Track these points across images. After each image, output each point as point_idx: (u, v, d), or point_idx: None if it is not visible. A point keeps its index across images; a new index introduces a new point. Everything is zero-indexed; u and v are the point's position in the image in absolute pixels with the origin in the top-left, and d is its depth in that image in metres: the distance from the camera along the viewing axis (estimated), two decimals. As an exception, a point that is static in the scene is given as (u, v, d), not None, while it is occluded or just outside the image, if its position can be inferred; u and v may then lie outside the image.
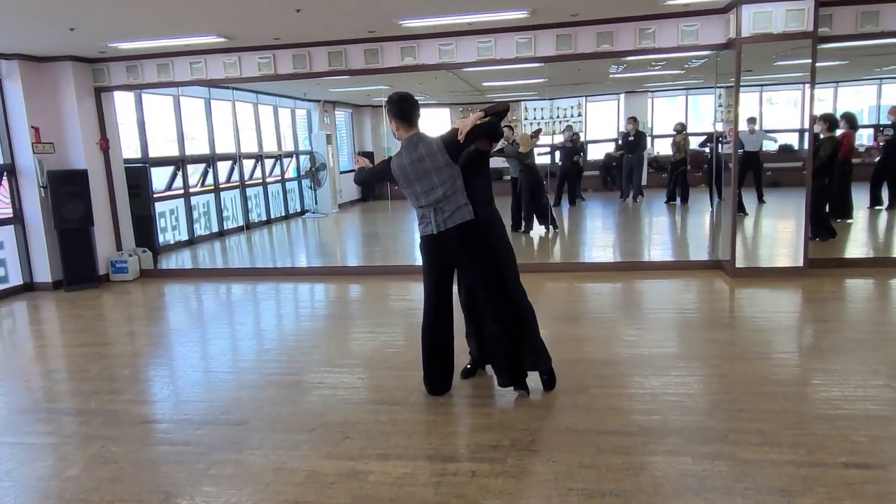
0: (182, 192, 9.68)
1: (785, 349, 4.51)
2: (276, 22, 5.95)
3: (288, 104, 12.46)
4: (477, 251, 3.53)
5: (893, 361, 3.96)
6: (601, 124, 14.73)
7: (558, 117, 13.83)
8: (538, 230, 9.16)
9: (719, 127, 7.93)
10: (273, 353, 4.86)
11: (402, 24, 6.15)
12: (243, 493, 2.78)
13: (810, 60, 5.86)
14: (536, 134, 9.89)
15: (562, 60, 6.67)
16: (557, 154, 11.58)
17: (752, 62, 6.21)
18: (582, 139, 13.33)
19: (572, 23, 6.38)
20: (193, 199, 9.88)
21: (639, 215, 11.24)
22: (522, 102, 13.68)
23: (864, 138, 12.53)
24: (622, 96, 14.23)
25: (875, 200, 9.29)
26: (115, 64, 7.37)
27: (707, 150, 10.94)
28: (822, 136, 7.30)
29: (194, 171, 10.07)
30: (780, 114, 13.79)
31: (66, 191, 7.09)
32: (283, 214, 12.32)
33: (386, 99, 3.53)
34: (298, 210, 12.89)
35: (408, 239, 9.64)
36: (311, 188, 12.72)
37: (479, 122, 3.40)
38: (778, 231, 9.04)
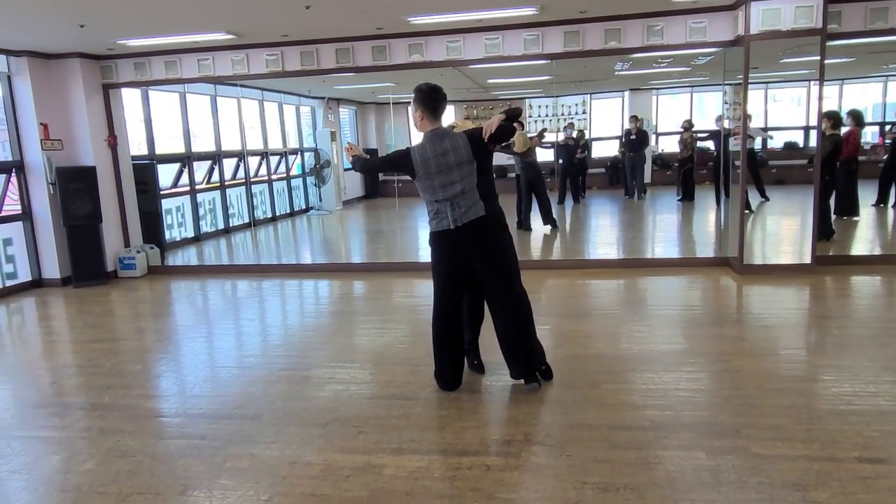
0: (188, 188, 9.70)
1: (794, 345, 4.52)
2: (285, 19, 5.96)
3: (293, 101, 12.47)
4: (490, 246, 3.56)
5: (903, 358, 3.98)
6: (605, 122, 14.72)
7: (562, 115, 13.82)
8: (542, 228, 9.16)
9: (726, 124, 7.94)
10: (282, 349, 4.88)
11: (411, 21, 6.15)
12: (260, 485, 2.80)
13: (817, 57, 5.86)
14: (542, 134, 9.91)
15: (569, 57, 6.67)
16: (559, 152, 11.57)
17: (759, 60, 6.21)
18: (586, 136, 13.32)
19: (580, 19, 6.38)
20: (199, 196, 9.90)
21: (645, 213, 11.25)
22: (527, 100, 13.68)
23: (868, 136, 12.52)
24: (627, 94, 14.20)
25: (882, 198, 9.28)
26: (123, 61, 7.39)
27: (711, 145, 10.94)
28: (826, 133, 7.28)
29: (200, 168, 10.09)
30: (784, 111, 13.77)
31: (75, 187, 7.12)
32: (289, 211, 12.34)
33: (415, 89, 3.51)
34: (303, 207, 12.91)
35: (412, 236, 9.67)
36: (315, 185, 12.74)
37: (501, 123, 3.46)
38: (784, 228, 9.05)
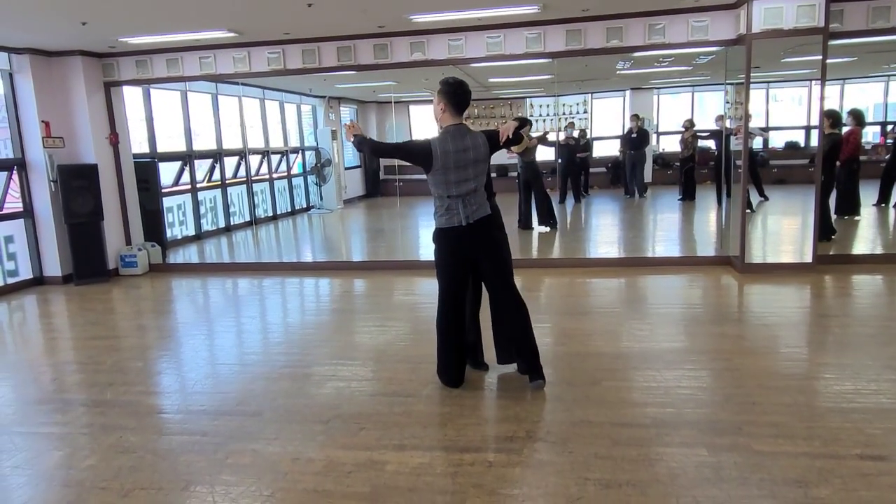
0: (189, 187, 9.70)
1: (796, 344, 4.52)
2: (287, 17, 5.97)
3: (294, 100, 12.47)
4: (496, 244, 3.62)
5: (905, 356, 3.98)
6: (606, 121, 14.72)
7: (563, 114, 13.82)
8: (541, 227, 9.16)
9: (727, 124, 7.94)
10: (283, 347, 4.88)
11: (413, 19, 6.15)
12: (262, 481, 2.81)
13: (819, 57, 5.86)
14: (544, 137, 9.91)
15: (571, 56, 6.67)
16: (560, 151, 11.57)
17: (761, 59, 6.20)
18: (588, 135, 13.31)
19: (582, 18, 6.38)
20: (200, 195, 9.90)
21: (646, 212, 11.25)
22: (528, 99, 13.68)
23: (870, 136, 12.52)
24: (628, 93, 14.21)
25: (883, 198, 9.27)
26: (124, 59, 7.40)
27: (712, 145, 10.94)
28: (825, 132, 7.26)
29: (201, 167, 10.10)
30: (785, 111, 13.75)
31: (76, 185, 7.13)
32: (289, 210, 12.35)
33: (441, 81, 3.52)
34: (304, 206, 12.91)
35: (413, 234, 9.67)
36: (316, 184, 12.74)
37: (515, 129, 3.56)
38: (785, 227, 9.04)
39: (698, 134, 11.30)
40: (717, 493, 2.57)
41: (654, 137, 13.70)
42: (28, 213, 7.23)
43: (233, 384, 4.05)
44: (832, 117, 7.35)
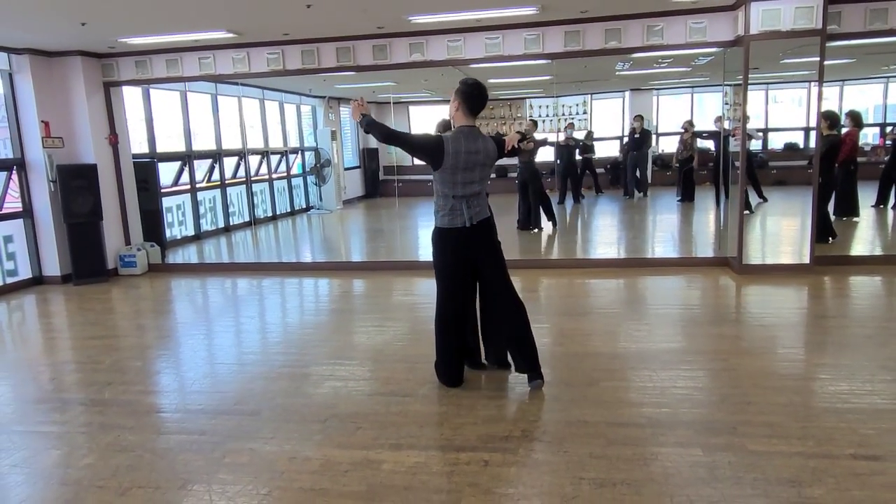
0: (189, 187, 9.72)
1: (792, 344, 4.54)
2: (286, 17, 5.98)
3: (293, 100, 12.49)
4: (496, 245, 3.69)
5: (900, 357, 3.99)
6: (606, 122, 14.73)
7: (563, 115, 13.83)
8: (544, 227, 9.18)
9: (726, 125, 7.95)
10: (282, 346, 4.89)
11: (412, 20, 6.17)
12: (259, 480, 2.82)
13: (818, 58, 5.88)
14: (543, 142, 9.94)
15: (570, 57, 6.69)
16: (559, 152, 11.58)
17: (759, 60, 6.22)
18: (595, 135, 13.33)
19: (581, 19, 6.40)
20: (200, 195, 9.92)
21: (644, 213, 11.26)
22: (527, 100, 13.69)
23: (869, 137, 12.53)
24: (627, 94, 14.21)
25: (882, 199, 9.28)
26: (124, 59, 7.42)
27: (711, 145, 10.95)
28: (823, 133, 7.26)
29: (201, 167, 10.11)
30: (784, 112, 13.77)
31: (76, 185, 7.14)
32: (289, 210, 12.36)
33: (461, 81, 3.55)
34: (303, 206, 12.92)
35: (412, 235, 9.68)
36: (315, 184, 12.75)
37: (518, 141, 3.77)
38: (784, 229, 9.06)
39: (696, 134, 11.31)
40: (711, 493, 2.58)
41: (654, 139, 13.70)
42: (27, 213, 7.25)
43: (231, 384, 4.06)
44: (831, 119, 7.34)
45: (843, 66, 10.30)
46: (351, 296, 6.55)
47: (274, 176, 11.80)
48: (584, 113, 14.14)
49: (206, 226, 10.09)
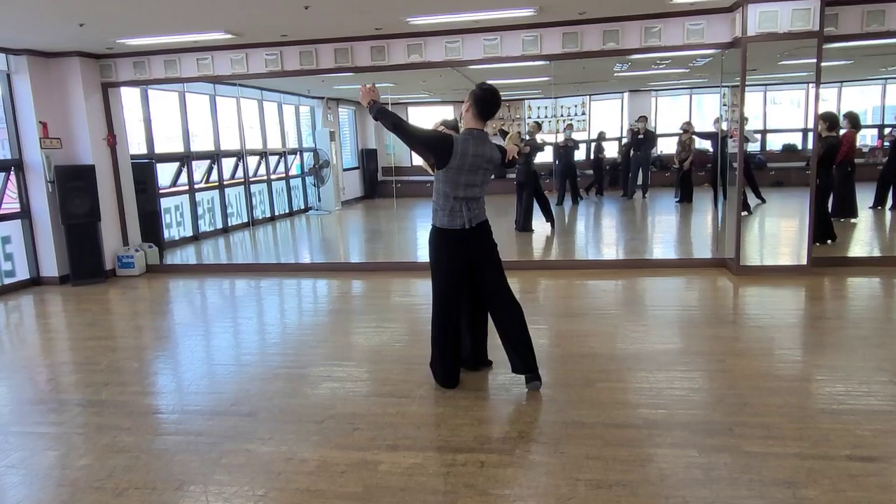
0: (187, 188, 9.72)
1: (789, 346, 4.54)
2: (284, 19, 5.98)
3: (292, 101, 12.49)
4: (493, 247, 3.72)
5: (897, 358, 4.00)
6: (605, 123, 14.74)
7: (562, 116, 13.84)
8: (543, 229, 9.19)
9: (724, 126, 7.96)
10: (279, 347, 4.89)
11: (410, 22, 6.18)
12: (255, 481, 2.82)
13: (815, 60, 5.89)
14: (540, 147, 9.97)
15: (568, 58, 6.70)
16: (557, 153, 11.60)
17: (757, 61, 6.23)
18: (607, 136, 13.36)
19: (579, 21, 6.41)
20: (198, 196, 9.92)
21: (643, 214, 11.28)
22: (526, 101, 13.70)
23: (867, 138, 12.55)
24: (626, 95, 14.24)
25: (880, 200, 9.30)
26: (122, 60, 7.42)
27: (710, 146, 10.97)
28: (822, 135, 7.26)
29: (199, 168, 10.11)
30: (783, 114, 13.80)
31: (74, 186, 7.14)
32: (287, 211, 12.36)
33: (477, 85, 3.59)
34: (302, 207, 12.92)
35: (410, 236, 9.68)
36: (314, 185, 12.76)
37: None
38: (782, 230, 9.07)
39: (695, 134, 11.33)
40: (706, 494, 2.58)
41: (657, 140, 13.72)
42: (25, 214, 7.24)
43: (228, 384, 4.07)
44: (830, 121, 7.34)
45: (840, 68, 10.32)
46: (349, 297, 6.55)
47: (272, 177, 11.80)
48: (583, 114, 14.16)
49: (205, 227, 10.09)
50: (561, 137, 11.49)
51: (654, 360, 4.12)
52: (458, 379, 3.80)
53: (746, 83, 6.11)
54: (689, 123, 11.65)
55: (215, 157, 10.31)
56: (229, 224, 10.53)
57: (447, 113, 14.03)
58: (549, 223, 9.27)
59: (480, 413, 3.51)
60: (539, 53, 6.64)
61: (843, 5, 5.89)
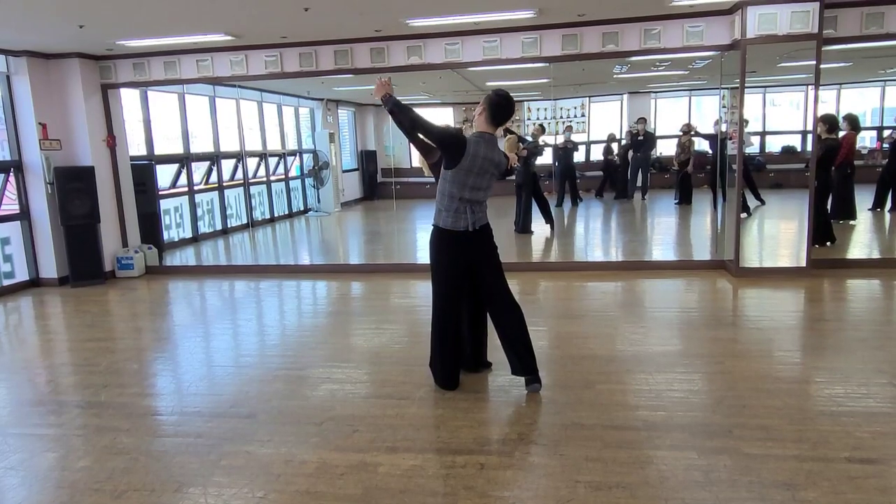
0: (186, 189, 9.72)
1: (788, 347, 4.54)
2: (284, 20, 5.99)
3: (292, 102, 12.49)
4: (494, 250, 3.73)
5: (896, 360, 4.00)
6: (604, 125, 14.75)
7: (561, 118, 13.84)
8: (543, 231, 9.19)
9: (723, 128, 7.97)
10: (279, 349, 4.89)
11: (410, 24, 6.18)
12: (255, 483, 2.82)
13: (814, 62, 5.90)
14: (540, 151, 10.00)
15: (567, 60, 6.71)
16: (556, 155, 11.60)
17: (757, 63, 6.24)
18: (617, 137, 13.38)
19: (578, 23, 6.42)
20: (198, 197, 9.92)
21: (642, 215, 11.28)
22: (525, 103, 13.70)
23: (867, 140, 12.56)
24: (625, 97, 14.25)
25: (879, 202, 9.30)
26: (121, 61, 7.42)
27: (708, 147, 10.98)
28: (821, 137, 7.26)
29: (198, 169, 10.11)
30: (782, 115, 13.81)
31: (73, 187, 7.14)
32: (287, 213, 12.36)
33: (493, 90, 3.59)
34: (301, 208, 12.92)
35: (410, 238, 9.68)
36: (314, 187, 12.76)
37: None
38: (781, 232, 9.08)
39: (696, 135, 11.34)
40: (706, 496, 2.58)
41: (657, 141, 13.73)
42: (24, 215, 7.24)
43: (227, 386, 4.06)
44: (830, 123, 7.34)
45: (840, 70, 10.33)
46: (348, 298, 6.55)
47: (272, 178, 11.80)
48: (583, 116, 14.16)
49: (204, 228, 10.09)
50: (560, 139, 11.50)
51: (654, 361, 4.12)
52: (458, 380, 3.80)
53: (746, 85, 6.12)
54: (688, 125, 11.66)
55: (215, 158, 10.31)
56: (229, 225, 10.53)
57: (447, 114, 14.06)
58: (548, 225, 9.27)
59: (480, 415, 3.51)
60: (539, 55, 6.65)
61: (842, 7, 5.90)
